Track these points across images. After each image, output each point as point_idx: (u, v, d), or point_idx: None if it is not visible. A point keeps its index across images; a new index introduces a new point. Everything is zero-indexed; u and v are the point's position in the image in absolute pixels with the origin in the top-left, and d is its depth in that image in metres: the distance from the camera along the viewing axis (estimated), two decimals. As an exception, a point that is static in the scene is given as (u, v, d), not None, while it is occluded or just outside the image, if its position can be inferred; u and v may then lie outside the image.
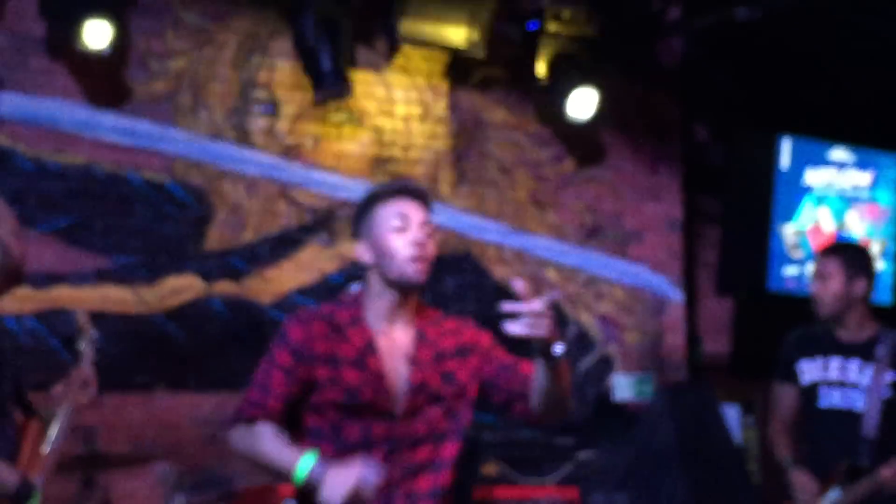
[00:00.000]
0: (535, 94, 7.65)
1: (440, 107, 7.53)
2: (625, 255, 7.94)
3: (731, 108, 8.44)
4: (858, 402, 5.20)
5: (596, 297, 7.80)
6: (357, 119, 7.27)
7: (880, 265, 8.38)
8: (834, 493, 5.13)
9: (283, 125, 7.06)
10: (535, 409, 3.62)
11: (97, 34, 6.37)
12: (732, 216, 8.14)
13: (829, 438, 5.25)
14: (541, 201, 7.73)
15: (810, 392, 5.36)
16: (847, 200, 8.35)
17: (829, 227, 8.26)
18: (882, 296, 8.32)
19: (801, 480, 5.23)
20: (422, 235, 3.56)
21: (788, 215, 8.18)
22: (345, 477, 3.30)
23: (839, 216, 8.31)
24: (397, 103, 7.40)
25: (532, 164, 7.74)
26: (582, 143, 7.89)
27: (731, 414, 8.08)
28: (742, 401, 8.58)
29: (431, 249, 3.61)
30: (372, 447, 3.50)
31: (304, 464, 3.38)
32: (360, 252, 3.63)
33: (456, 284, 7.37)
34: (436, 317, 3.75)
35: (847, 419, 5.19)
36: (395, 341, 3.62)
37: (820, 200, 8.27)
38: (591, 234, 7.84)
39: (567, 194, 7.82)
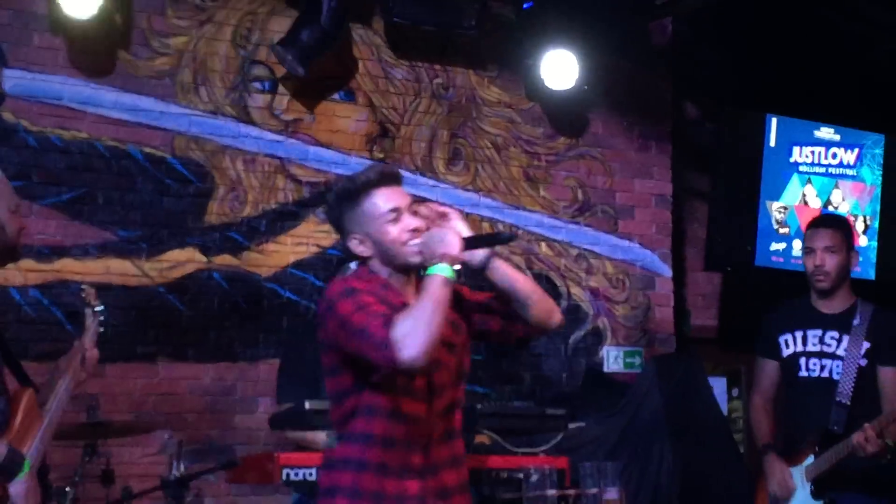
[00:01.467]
0: (528, 72, 7.75)
1: (435, 84, 7.64)
2: (615, 231, 8.03)
3: (720, 88, 8.53)
4: (836, 371, 5.33)
5: (587, 272, 7.91)
6: (354, 96, 7.39)
7: (864, 241, 8.51)
8: (809, 461, 5.27)
9: (281, 102, 7.18)
10: (525, 321, 3.80)
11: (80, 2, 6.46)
12: (721, 193, 8.22)
13: (807, 406, 5.37)
14: (533, 178, 7.84)
15: (791, 363, 5.48)
16: (832, 178, 8.47)
17: (815, 204, 8.37)
18: (865, 271, 8.46)
19: (777, 469, 5.37)
20: (413, 220, 3.67)
21: (775, 192, 8.28)
22: (444, 232, 3.59)
23: (825, 193, 8.42)
24: (393, 81, 7.51)
25: (525, 142, 7.85)
26: (574, 120, 7.99)
27: (718, 385, 8.21)
28: (729, 372, 8.73)
29: (423, 226, 3.68)
30: (414, 394, 3.64)
31: (431, 270, 3.52)
32: (355, 246, 3.71)
33: (450, 258, 7.48)
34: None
35: (825, 387, 5.32)
36: None
37: (806, 178, 8.39)
38: (583, 210, 7.95)
39: (559, 171, 7.92)
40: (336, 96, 7.33)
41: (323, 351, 3.72)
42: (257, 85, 7.15)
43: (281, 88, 7.19)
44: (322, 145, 7.25)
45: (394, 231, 3.65)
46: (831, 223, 5.69)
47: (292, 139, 7.18)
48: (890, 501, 5.34)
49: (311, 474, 4.93)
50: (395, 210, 3.66)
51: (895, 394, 5.28)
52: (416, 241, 3.63)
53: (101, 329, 4.71)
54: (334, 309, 3.59)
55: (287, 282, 7.04)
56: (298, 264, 7.10)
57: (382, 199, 3.67)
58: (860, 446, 5.04)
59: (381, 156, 7.37)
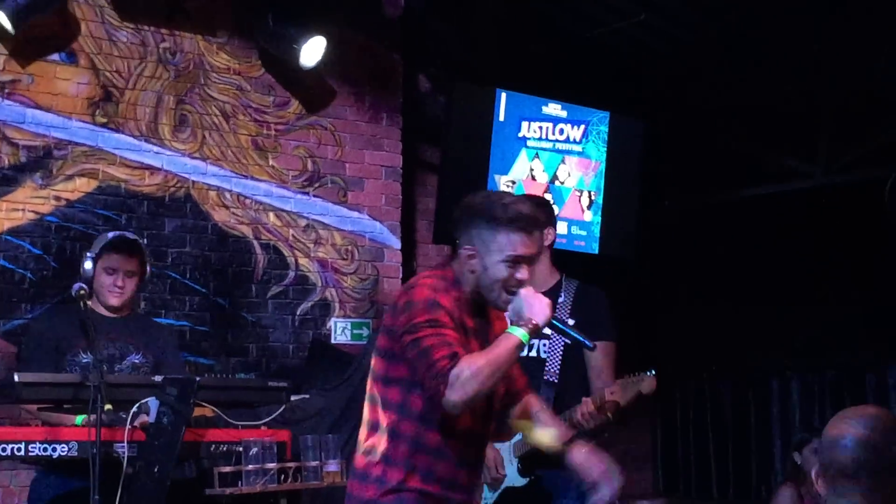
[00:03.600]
0: (260, 39, 7.65)
1: (162, 48, 7.45)
2: (345, 202, 8.01)
3: (452, 61, 8.60)
4: (543, 350, 5.39)
5: (315, 243, 7.87)
6: (76, 58, 7.14)
7: (589, 216, 8.72)
8: (517, 438, 5.32)
9: (-3, 62, 6.89)
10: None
11: None
12: (450, 166, 8.28)
13: None
14: (262, 146, 7.75)
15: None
16: (559, 153, 8.64)
17: (542, 178, 8.52)
18: (589, 245, 8.67)
19: (490, 454, 5.37)
20: (526, 273, 3.89)
21: (504, 166, 8.40)
22: (537, 301, 3.84)
23: (552, 168, 8.58)
24: (118, 43, 7.28)
25: (254, 110, 7.74)
26: (305, 90, 7.92)
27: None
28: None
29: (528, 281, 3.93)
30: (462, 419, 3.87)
31: (512, 330, 3.80)
32: (464, 254, 3.91)
33: (176, 227, 7.35)
34: (499, 312, 4.09)
35: (534, 366, 5.31)
36: (480, 329, 3.97)
37: (534, 153, 8.53)
38: (312, 181, 7.90)
39: (288, 140, 7.85)
40: (56, 57, 7.06)
41: (384, 334, 3.93)
42: (-28, 43, 6.84)
43: (-3, 47, 6.89)
44: (41, 108, 6.98)
45: (506, 273, 3.85)
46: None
47: (9, 101, 6.88)
48: None
49: (19, 449, 4.75)
50: (520, 258, 3.86)
51: (602, 369, 5.36)
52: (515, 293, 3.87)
53: None
54: (412, 311, 3.78)
55: (1, 249, 6.77)
56: (13, 231, 6.83)
57: (517, 243, 3.85)
58: (583, 420, 5.10)
59: (104, 120, 7.16)
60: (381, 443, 3.87)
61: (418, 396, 3.82)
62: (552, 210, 5.71)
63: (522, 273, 3.88)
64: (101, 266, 5.56)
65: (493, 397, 3.96)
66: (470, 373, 3.65)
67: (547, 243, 5.47)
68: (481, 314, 4.01)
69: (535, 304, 3.84)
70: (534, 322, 3.81)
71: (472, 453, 4.00)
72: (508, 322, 3.97)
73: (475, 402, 3.75)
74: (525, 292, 3.86)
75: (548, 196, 8.11)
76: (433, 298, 3.80)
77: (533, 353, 5.37)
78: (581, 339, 4.14)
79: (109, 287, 5.55)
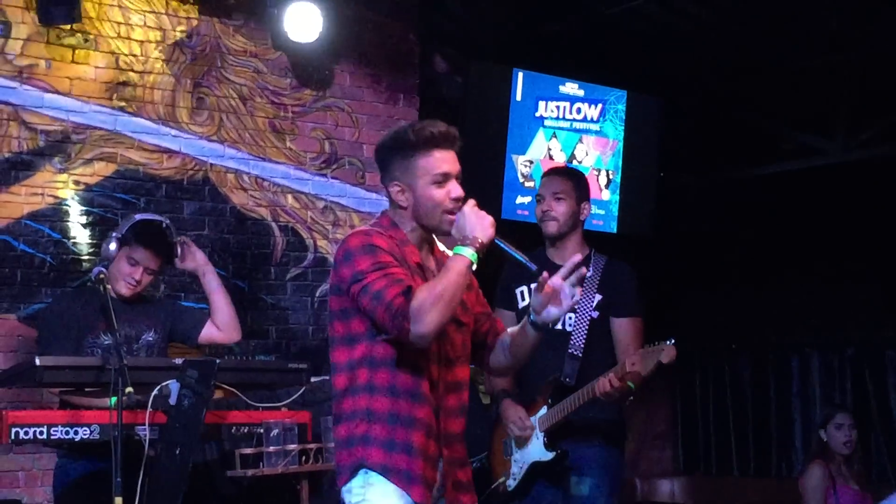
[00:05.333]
0: (273, 21, 7.64)
1: (178, 31, 7.45)
2: (363, 184, 8.01)
3: (468, 41, 8.58)
4: (569, 323, 5.40)
5: (334, 225, 7.87)
6: (93, 42, 7.13)
7: (607, 195, 8.71)
8: (542, 412, 5.34)
9: (14, 46, 6.85)
10: (493, 363, 4.15)
11: None
12: (468, 146, 8.13)
13: (541, 358, 5.38)
14: (280, 129, 7.74)
15: (526, 314, 5.51)
16: (577, 132, 8.62)
17: (559, 158, 8.51)
18: (608, 225, 8.66)
19: (512, 412, 5.42)
20: (459, 189, 3.83)
21: (521, 146, 8.40)
22: (480, 218, 3.75)
23: (569, 147, 8.57)
24: (134, 27, 7.28)
25: (271, 92, 7.73)
26: (321, 72, 7.92)
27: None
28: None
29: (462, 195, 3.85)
30: (428, 360, 3.80)
31: (459, 250, 3.72)
32: (395, 193, 3.86)
33: (194, 210, 7.35)
34: (445, 253, 4.02)
35: (559, 339, 5.37)
36: (428, 269, 3.90)
37: (551, 132, 8.52)
38: (330, 163, 7.91)
39: (306, 122, 7.84)
40: (74, 42, 7.06)
41: (334, 294, 3.84)
42: (-12, 28, 6.84)
43: (14, 32, 6.87)
44: (59, 93, 6.98)
45: (439, 194, 3.80)
46: (561, 172, 5.81)
47: (27, 85, 6.88)
48: (618, 450, 5.48)
49: (41, 433, 4.79)
50: (447, 175, 3.80)
51: (630, 344, 5.36)
52: (455, 208, 3.79)
53: None
54: (352, 261, 3.73)
55: (21, 233, 6.77)
56: (33, 215, 6.82)
57: (438, 161, 3.80)
58: (605, 393, 5.10)
59: (122, 104, 7.16)
60: (359, 402, 3.77)
61: (383, 343, 3.76)
62: (587, 182, 5.70)
63: (455, 190, 3.82)
64: (125, 254, 5.57)
65: (446, 342, 3.88)
66: (430, 301, 3.62)
67: (582, 217, 5.50)
68: (427, 252, 3.96)
69: (477, 221, 3.76)
70: (479, 240, 3.73)
71: (448, 400, 3.89)
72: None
73: (442, 329, 3.70)
74: (467, 209, 3.79)
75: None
76: (367, 242, 3.76)
77: (558, 326, 5.38)
78: (525, 262, 4.05)
79: (126, 277, 5.57)
